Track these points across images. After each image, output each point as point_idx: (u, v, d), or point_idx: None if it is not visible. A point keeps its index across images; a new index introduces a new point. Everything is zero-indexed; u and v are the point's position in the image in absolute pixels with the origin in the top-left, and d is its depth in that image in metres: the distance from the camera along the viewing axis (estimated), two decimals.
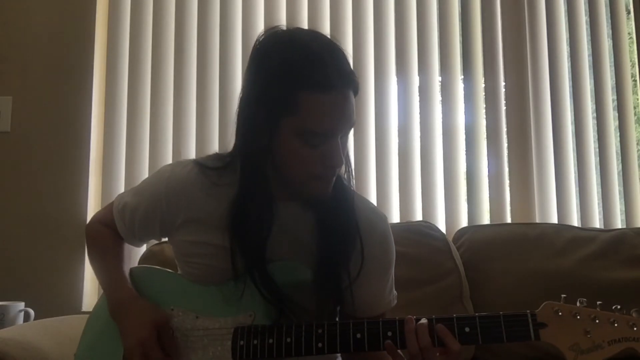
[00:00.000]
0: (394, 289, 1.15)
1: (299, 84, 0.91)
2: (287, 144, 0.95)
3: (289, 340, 0.94)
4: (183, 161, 1.12)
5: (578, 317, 0.88)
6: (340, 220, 1.03)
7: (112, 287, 1.09)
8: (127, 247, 1.19)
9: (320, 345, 0.93)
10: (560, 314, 0.89)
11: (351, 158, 1.10)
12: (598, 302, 0.89)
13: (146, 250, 1.78)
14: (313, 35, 1.00)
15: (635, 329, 0.85)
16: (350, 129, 0.98)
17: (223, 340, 0.98)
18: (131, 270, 1.13)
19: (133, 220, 1.12)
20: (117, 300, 1.06)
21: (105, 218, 1.18)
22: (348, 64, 0.97)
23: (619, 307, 0.88)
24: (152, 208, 1.09)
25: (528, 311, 0.90)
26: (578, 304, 0.90)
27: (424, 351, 0.91)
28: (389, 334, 0.93)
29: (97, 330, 1.11)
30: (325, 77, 0.91)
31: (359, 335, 0.93)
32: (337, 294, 1.02)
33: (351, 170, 1.07)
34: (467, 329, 0.91)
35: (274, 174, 1.00)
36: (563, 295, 0.90)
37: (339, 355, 1.14)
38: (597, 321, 0.87)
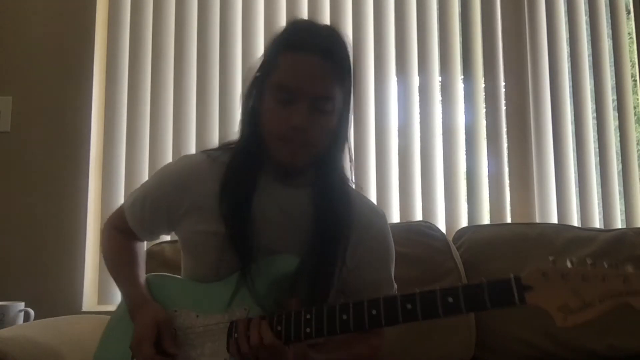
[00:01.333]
0: (394, 285, 1.16)
1: (280, 46, 1.03)
2: (265, 103, 1.03)
3: (279, 328, 0.96)
4: (193, 153, 1.19)
5: (566, 277, 0.83)
6: (333, 207, 1.07)
7: (128, 291, 1.14)
8: (140, 248, 1.23)
9: (308, 330, 0.95)
10: (547, 275, 0.84)
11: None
12: (589, 262, 0.84)
13: (146, 250, 1.77)
14: (319, 23, 1.09)
15: (627, 283, 0.81)
16: (322, 99, 1.00)
17: (220, 335, 1.01)
18: (146, 277, 1.17)
19: (143, 211, 1.16)
20: (131, 303, 1.12)
21: (117, 221, 1.23)
22: (337, 43, 1.04)
23: (614, 263, 0.83)
24: (160, 195, 1.13)
25: (512, 275, 0.86)
26: (568, 264, 0.85)
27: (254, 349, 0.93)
28: (374, 312, 0.92)
29: (114, 331, 1.16)
30: (301, 40, 1.01)
31: (344, 317, 0.93)
32: (328, 280, 1.04)
33: (351, 163, 1.11)
34: (450, 299, 0.88)
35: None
36: (551, 258, 0.86)
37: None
38: (587, 279, 0.82)
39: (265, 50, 1.09)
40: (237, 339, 0.95)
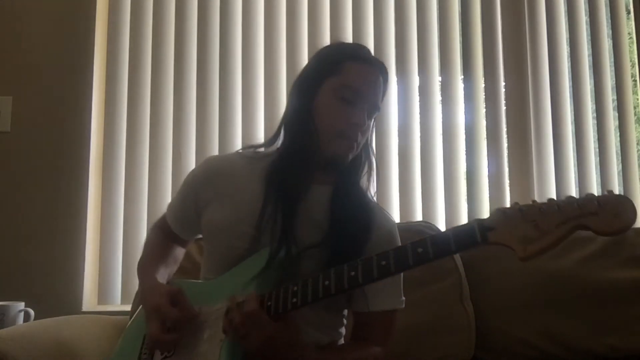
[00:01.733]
0: (402, 295, 1.18)
1: (346, 56, 1.15)
2: (324, 99, 1.13)
3: (269, 304, 0.98)
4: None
5: (524, 212, 0.86)
6: (354, 207, 1.13)
7: (143, 279, 1.19)
8: (175, 249, 1.30)
9: (294, 300, 0.97)
10: (507, 214, 0.88)
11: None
12: (548, 198, 0.88)
13: None
14: None
15: (581, 206, 0.83)
16: (374, 111, 1.15)
17: (217, 321, 1.03)
18: (169, 281, 1.22)
19: (176, 204, 1.25)
20: (144, 288, 1.17)
21: (162, 221, 1.31)
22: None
23: (570, 196, 0.87)
24: (189, 187, 1.20)
25: (476, 219, 0.91)
26: (530, 202, 0.88)
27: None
28: (352, 273, 0.94)
29: (128, 333, 1.21)
30: (366, 56, 1.16)
31: (326, 282, 0.95)
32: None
33: (372, 176, 1.20)
34: (419, 250, 0.91)
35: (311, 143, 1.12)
36: (515, 202, 0.90)
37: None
38: (543, 211, 0.85)
39: (319, 58, 1.19)
40: (229, 313, 0.98)
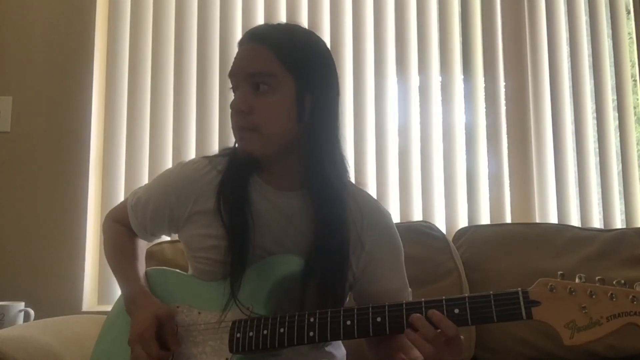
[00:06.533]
0: (408, 287, 1.15)
1: None
2: None
3: (282, 330, 0.95)
4: (195, 158, 1.18)
5: (574, 292, 0.82)
6: (330, 208, 1.04)
7: (126, 285, 1.13)
8: (141, 243, 1.23)
9: (311, 334, 0.94)
10: (554, 290, 0.83)
11: (349, 154, 1.10)
12: (597, 277, 0.82)
13: (146, 250, 1.77)
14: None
15: (635, 302, 0.79)
16: (257, 76, 1.00)
17: (222, 334, 1.01)
18: (146, 271, 1.18)
19: (145, 215, 1.17)
20: (130, 297, 1.10)
21: (119, 215, 1.23)
22: (276, 30, 1.04)
23: (622, 281, 0.81)
24: (162, 201, 1.13)
25: (520, 289, 0.86)
26: (577, 280, 0.84)
27: (432, 342, 0.87)
28: (378, 319, 0.91)
29: (111, 328, 1.15)
30: (240, 40, 1.05)
31: (348, 322, 0.92)
32: (338, 281, 1.03)
33: (343, 159, 1.08)
34: (456, 311, 0.88)
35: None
36: (560, 272, 0.85)
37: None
38: (594, 296, 0.81)
39: None
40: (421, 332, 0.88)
